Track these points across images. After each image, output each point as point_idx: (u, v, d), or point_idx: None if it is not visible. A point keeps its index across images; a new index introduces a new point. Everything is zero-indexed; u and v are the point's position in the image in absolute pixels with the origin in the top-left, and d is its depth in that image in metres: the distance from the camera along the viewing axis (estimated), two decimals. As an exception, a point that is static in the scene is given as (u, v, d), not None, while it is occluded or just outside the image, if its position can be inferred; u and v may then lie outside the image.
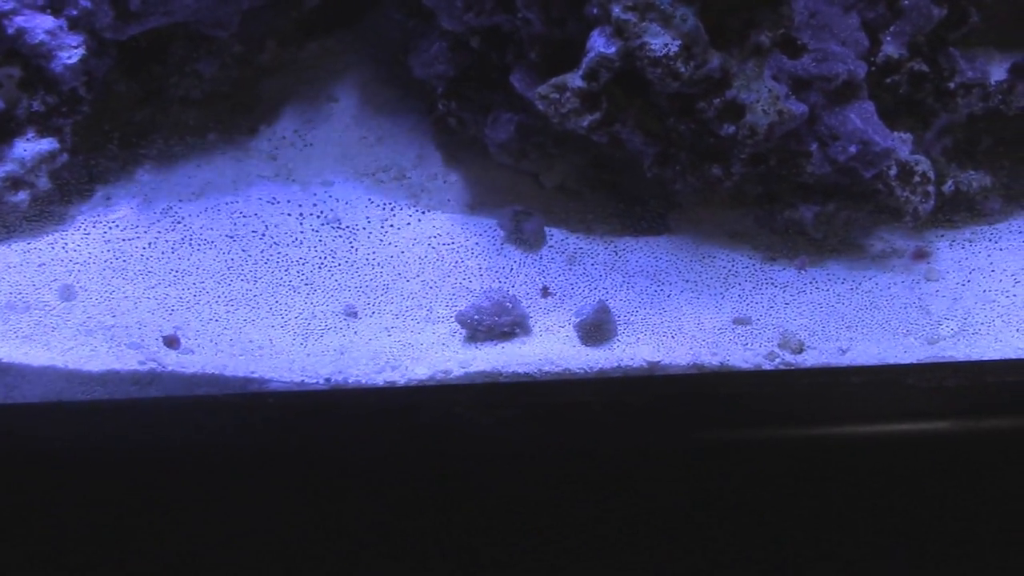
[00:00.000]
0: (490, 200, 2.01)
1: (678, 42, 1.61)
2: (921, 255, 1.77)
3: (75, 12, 1.83)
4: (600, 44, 1.65)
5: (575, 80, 1.68)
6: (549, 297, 1.73)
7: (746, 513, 1.53)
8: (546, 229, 1.92)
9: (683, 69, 1.62)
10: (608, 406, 1.58)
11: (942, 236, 1.88)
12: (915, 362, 1.60)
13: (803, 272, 1.76)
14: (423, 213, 1.96)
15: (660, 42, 1.61)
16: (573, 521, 1.39)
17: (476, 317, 1.71)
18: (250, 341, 1.68)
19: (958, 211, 1.89)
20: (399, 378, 1.67)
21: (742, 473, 1.54)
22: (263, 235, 1.74)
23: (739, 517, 1.51)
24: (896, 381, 1.57)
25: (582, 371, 1.67)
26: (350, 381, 1.67)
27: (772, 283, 1.78)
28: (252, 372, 1.67)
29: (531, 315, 1.73)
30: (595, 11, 1.64)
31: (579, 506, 1.41)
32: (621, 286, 1.79)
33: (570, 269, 1.83)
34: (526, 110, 1.85)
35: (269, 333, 1.68)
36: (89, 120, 1.94)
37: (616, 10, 1.61)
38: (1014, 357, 1.60)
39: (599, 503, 1.42)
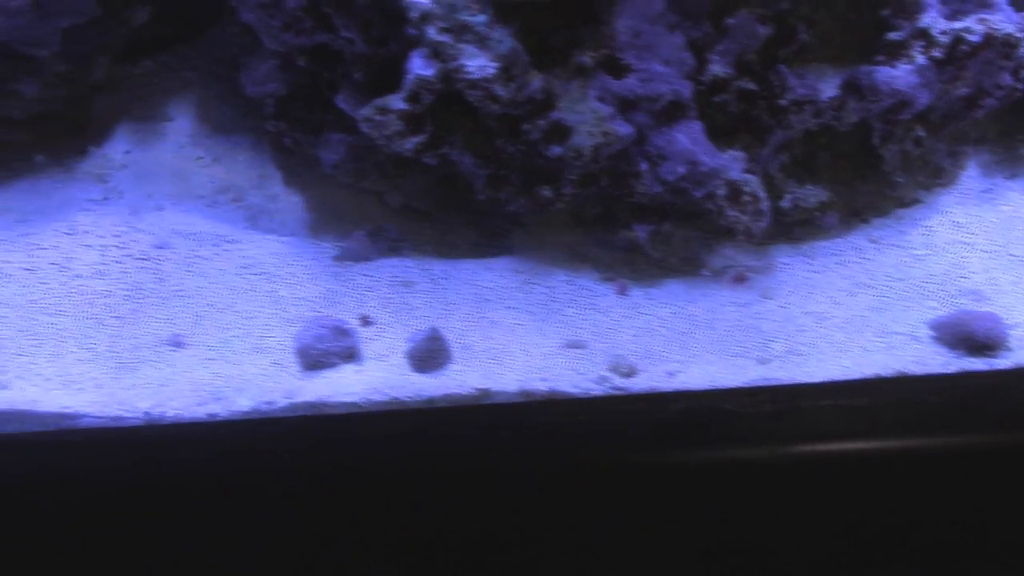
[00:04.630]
0: (333, 221, 1.96)
1: (496, 64, 1.57)
2: (740, 279, 1.76)
3: None
4: (418, 66, 1.61)
5: (397, 102, 1.64)
6: (371, 326, 1.69)
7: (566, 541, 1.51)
8: (371, 247, 1.87)
9: (502, 91, 1.59)
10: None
11: (782, 251, 1.88)
12: (737, 386, 1.60)
13: (624, 296, 1.74)
14: (260, 236, 1.91)
15: (477, 64, 1.57)
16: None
17: (309, 343, 1.67)
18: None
19: (798, 226, 1.89)
20: (221, 410, 1.62)
21: (570, 504, 1.52)
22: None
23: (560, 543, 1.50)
24: (715, 407, 1.57)
25: (410, 399, 1.64)
26: (170, 414, 1.62)
27: (607, 305, 1.76)
28: (66, 407, 1.61)
29: (361, 342, 1.69)
30: (412, 32, 1.60)
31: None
32: (456, 310, 1.76)
33: (403, 293, 1.78)
34: (357, 131, 1.81)
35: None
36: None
37: (431, 32, 1.57)
38: (835, 379, 1.60)
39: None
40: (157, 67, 2.11)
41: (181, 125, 2.05)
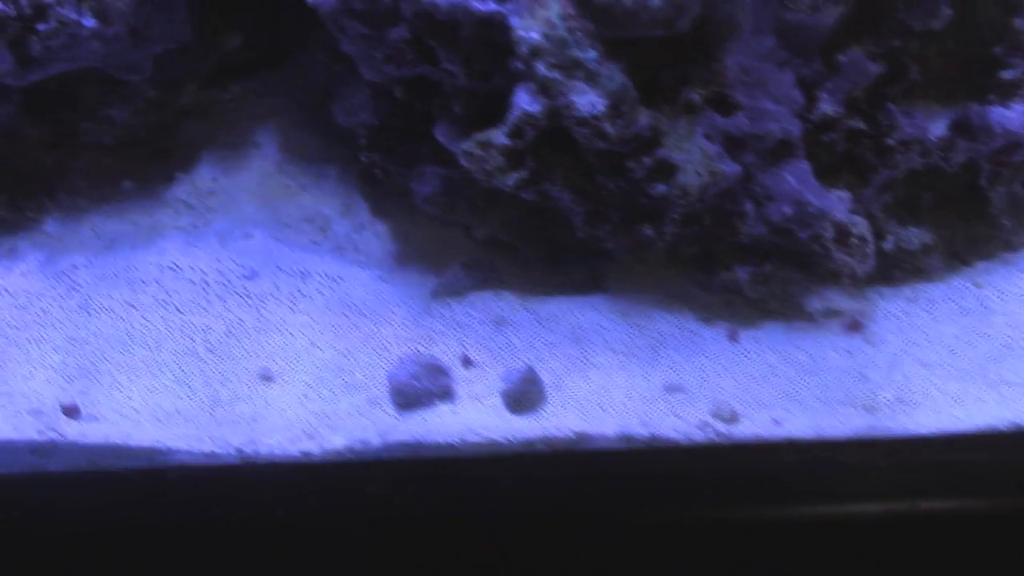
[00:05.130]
0: (419, 252, 1.93)
1: (605, 101, 1.54)
2: (855, 327, 1.71)
3: (-29, 60, 1.73)
4: (524, 101, 1.57)
5: (499, 137, 1.61)
6: (472, 367, 1.65)
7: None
8: (467, 279, 1.84)
9: (610, 129, 1.55)
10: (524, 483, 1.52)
11: (882, 294, 1.82)
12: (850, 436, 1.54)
13: (735, 341, 1.70)
14: (348, 266, 1.88)
15: (586, 101, 1.54)
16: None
17: (404, 381, 1.64)
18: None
19: (899, 268, 1.83)
20: (315, 448, 1.59)
21: (668, 557, 1.47)
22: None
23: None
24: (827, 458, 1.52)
25: (507, 441, 1.60)
26: (263, 452, 1.59)
27: (707, 348, 1.71)
28: (158, 441, 1.59)
29: (456, 382, 1.66)
30: (519, 66, 1.57)
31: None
32: (551, 350, 1.72)
33: (499, 331, 1.75)
34: (453, 163, 1.77)
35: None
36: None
37: (540, 67, 1.53)
38: (951, 431, 1.55)
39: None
40: (244, 93, 2.09)
41: (268, 152, 2.03)
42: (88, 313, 1.66)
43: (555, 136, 1.63)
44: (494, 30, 1.59)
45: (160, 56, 1.86)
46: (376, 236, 1.96)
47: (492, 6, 1.56)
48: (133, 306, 1.62)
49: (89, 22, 1.70)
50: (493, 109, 1.67)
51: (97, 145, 1.96)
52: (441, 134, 1.71)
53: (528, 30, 1.53)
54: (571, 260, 1.87)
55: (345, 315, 1.73)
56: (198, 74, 1.99)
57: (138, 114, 1.93)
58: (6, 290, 1.74)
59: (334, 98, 1.91)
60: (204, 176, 1.99)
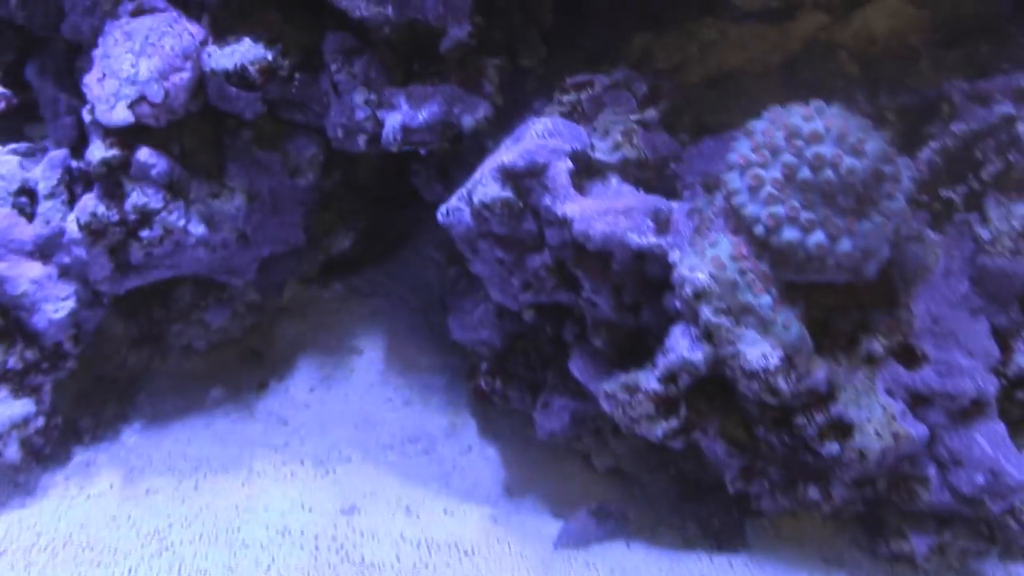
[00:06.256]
0: (532, 483, 1.72)
1: (779, 353, 1.34)
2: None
3: (67, 260, 1.58)
4: (683, 346, 1.38)
5: (650, 382, 1.41)
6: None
7: None
8: (596, 529, 1.62)
9: (783, 385, 1.34)
10: None
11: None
12: None
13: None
14: (456, 499, 1.66)
15: (758, 352, 1.34)
16: None
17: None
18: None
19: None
20: None
21: None
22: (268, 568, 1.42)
23: None
24: None
25: None
26: None
27: (876, 630, 1.46)
28: None
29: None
30: (677, 305, 1.38)
31: None
32: (688, 620, 1.48)
33: (630, 594, 1.51)
34: (583, 396, 1.58)
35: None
36: (74, 371, 1.67)
37: (706, 312, 1.34)
38: None
39: None
40: (346, 291, 1.93)
41: (370, 360, 1.85)
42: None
43: (714, 384, 1.43)
44: (650, 263, 1.42)
45: (267, 259, 1.71)
46: (485, 461, 1.76)
47: (651, 239, 1.39)
48: (230, 569, 1.40)
49: (197, 229, 1.55)
50: (638, 345, 1.48)
51: (187, 348, 1.79)
52: (577, 368, 1.51)
53: (693, 269, 1.35)
54: (705, 502, 1.65)
55: (455, 562, 1.50)
56: (304, 275, 1.83)
57: (236, 318, 1.77)
58: (92, 504, 1.54)
59: (449, 309, 1.73)
60: (300, 385, 1.80)
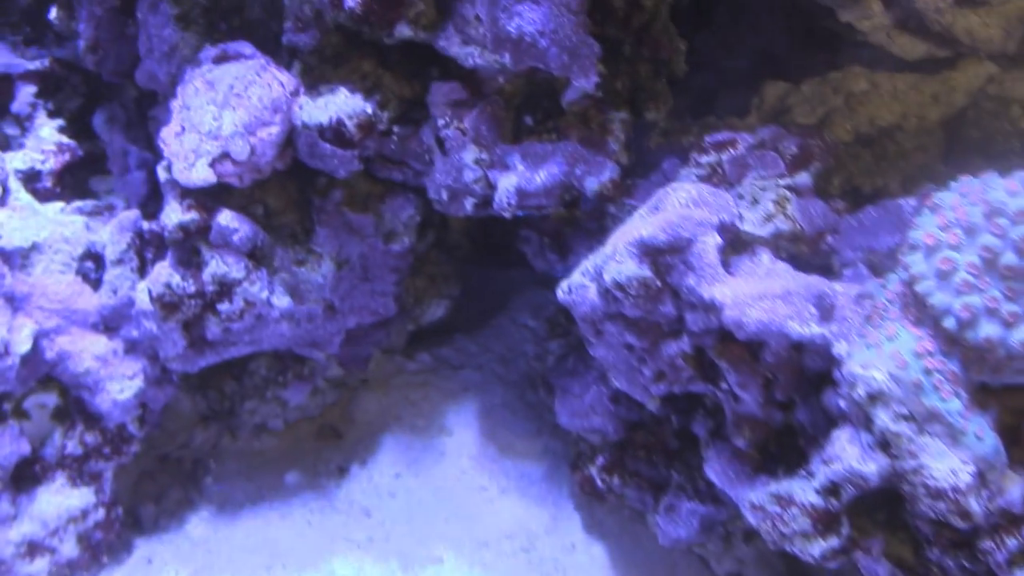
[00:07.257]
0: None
1: (971, 468, 1.12)
2: None
3: (135, 334, 1.41)
4: (852, 455, 1.17)
5: (807, 493, 1.20)
6: None
7: None
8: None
9: (975, 507, 1.13)
10: None
11: None
12: None
13: None
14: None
15: (946, 467, 1.13)
16: None
17: None
18: None
19: None
20: None
21: None
22: None
23: None
24: None
25: None
26: None
27: None
28: None
29: None
30: (842, 405, 1.18)
31: None
32: None
33: None
34: (715, 499, 1.38)
35: None
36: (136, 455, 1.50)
37: (883, 417, 1.13)
38: None
39: None
40: (434, 363, 1.74)
41: (462, 441, 1.65)
42: None
43: (876, 494, 1.22)
44: (810, 355, 1.22)
45: (352, 331, 1.52)
46: (592, 561, 1.55)
47: (815, 329, 1.18)
48: None
49: (281, 301, 1.38)
50: (786, 447, 1.28)
51: (261, 428, 1.61)
52: (714, 471, 1.31)
53: (867, 366, 1.14)
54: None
55: None
56: (392, 347, 1.65)
57: (316, 394, 1.59)
58: None
59: (554, 390, 1.54)
60: (384, 470, 1.61)
